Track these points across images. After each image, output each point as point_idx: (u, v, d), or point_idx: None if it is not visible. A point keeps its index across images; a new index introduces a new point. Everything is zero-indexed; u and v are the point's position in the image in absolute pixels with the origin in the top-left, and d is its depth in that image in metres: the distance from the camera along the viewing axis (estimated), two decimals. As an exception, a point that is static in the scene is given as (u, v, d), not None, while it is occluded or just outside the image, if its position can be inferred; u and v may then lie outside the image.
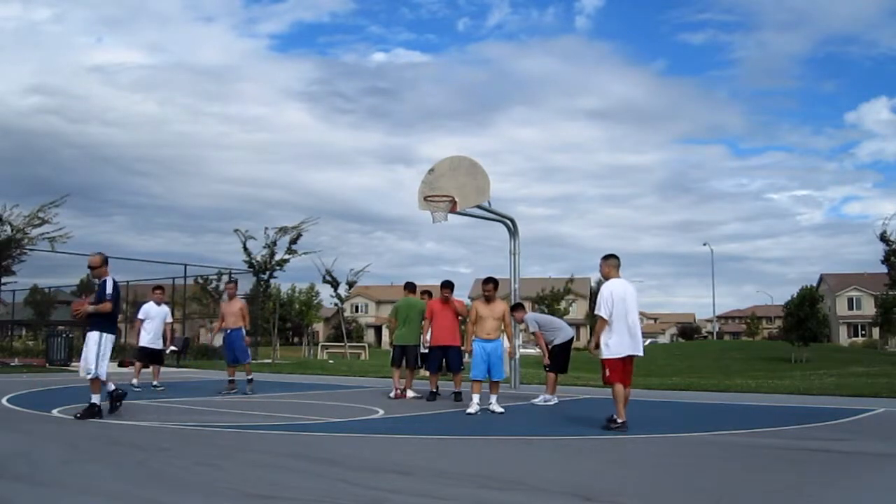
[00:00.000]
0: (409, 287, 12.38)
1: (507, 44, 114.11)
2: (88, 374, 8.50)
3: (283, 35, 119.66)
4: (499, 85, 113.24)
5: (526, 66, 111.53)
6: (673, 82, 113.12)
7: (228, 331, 12.35)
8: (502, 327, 10.11)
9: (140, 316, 13.28)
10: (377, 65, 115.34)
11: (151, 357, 13.29)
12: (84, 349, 8.66)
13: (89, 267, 8.91)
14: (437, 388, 11.63)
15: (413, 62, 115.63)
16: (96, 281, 8.91)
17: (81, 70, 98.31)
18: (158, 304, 13.47)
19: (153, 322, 13.16)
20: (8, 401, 10.56)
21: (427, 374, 12.14)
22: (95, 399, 8.55)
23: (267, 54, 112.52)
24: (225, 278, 31.82)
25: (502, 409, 9.59)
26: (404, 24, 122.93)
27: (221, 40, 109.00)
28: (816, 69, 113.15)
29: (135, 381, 12.54)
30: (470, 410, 9.44)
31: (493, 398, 9.77)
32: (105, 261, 8.91)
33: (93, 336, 8.58)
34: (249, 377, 12.52)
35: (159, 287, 14.43)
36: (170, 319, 13.66)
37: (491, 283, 10.10)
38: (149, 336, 13.09)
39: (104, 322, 8.66)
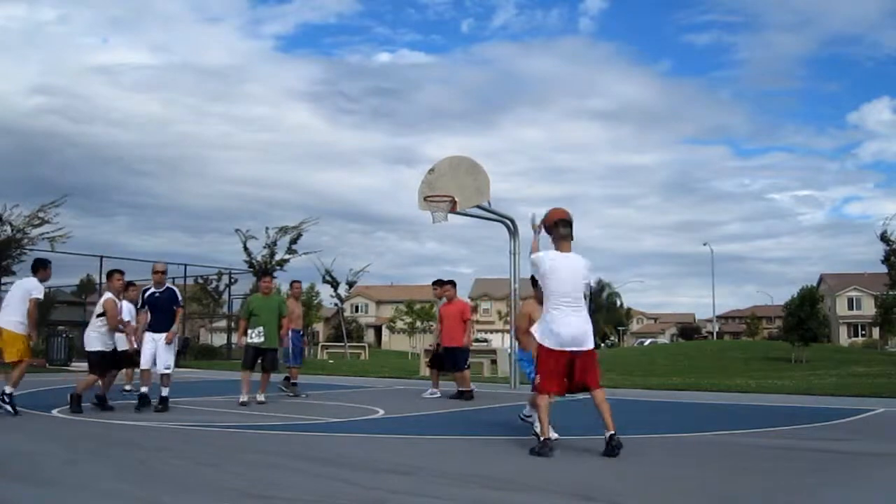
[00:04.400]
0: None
1: (512, 44, 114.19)
2: (168, 369, 9.53)
3: (289, 36, 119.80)
4: (503, 85, 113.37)
5: (530, 66, 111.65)
6: (677, 83, 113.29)
7: (299, 331, 12.42)
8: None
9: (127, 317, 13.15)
10: (381, 65, 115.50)
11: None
12: (156, 348, 9.52)
13: (159, 272, 10.00)
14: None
15: (417, 63, 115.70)
16: (157, 288, 9.83)
17: (86, 70, 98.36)
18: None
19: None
20: (8, 401, 10.54)
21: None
22: (166, 392, 9.55)
23: (272, 55, 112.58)
24: (225, 278, 31.83)
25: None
26: (410, 24, 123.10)
27: (226, 41, 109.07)
28: (819, 70, 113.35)
29: (128, 386, 12.42)
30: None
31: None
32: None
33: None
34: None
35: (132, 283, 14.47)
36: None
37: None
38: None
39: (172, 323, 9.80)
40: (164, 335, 9.56)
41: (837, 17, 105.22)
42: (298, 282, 13.41)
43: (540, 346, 6.34)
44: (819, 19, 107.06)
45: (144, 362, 9.61)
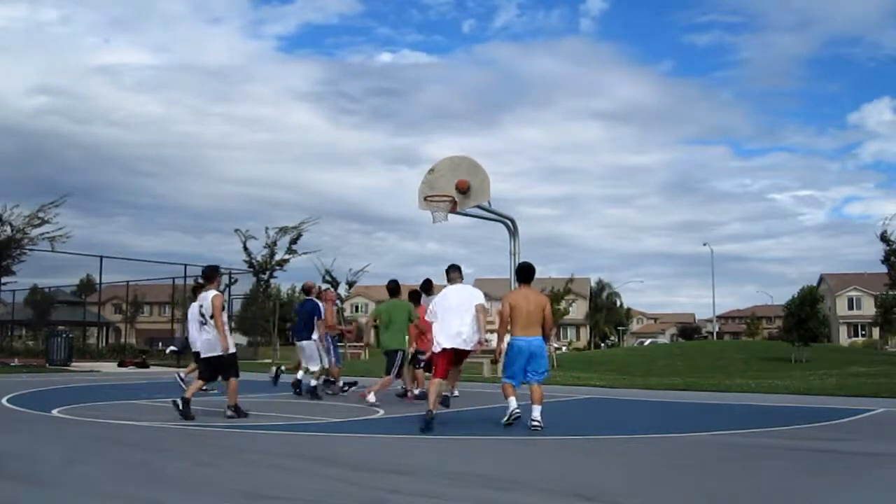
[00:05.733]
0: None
1: (513, 45, 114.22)
2: (316, 367, 11.65)
3: (290, 36, 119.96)
4: (504, 86, 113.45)
5: (531, 67, 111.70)
6: (678, 83, 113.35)
7: (328, 334, 12.59)
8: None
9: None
10: (383, 65, 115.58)
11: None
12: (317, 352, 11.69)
13: (307, 289, 12.45)
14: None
15: (419, 63, 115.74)
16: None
17: (87, 71, 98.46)
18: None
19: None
20: (8, 401, 10.56)
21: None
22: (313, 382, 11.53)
23: (273, 55, 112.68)
24: (225, 278, 31.85)
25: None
26: (413, 25, 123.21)
27: (228, 41, 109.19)
28: (820, 70, 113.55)
29: (205, 386, 12.32)
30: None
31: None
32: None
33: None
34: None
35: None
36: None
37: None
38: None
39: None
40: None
41: (838, 17, 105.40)
42: (329, 289, 14.21)
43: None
44: (820, 20, 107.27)
45: (326, 362, 11.81)
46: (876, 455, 6.68)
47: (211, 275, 9.10)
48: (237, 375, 8.84)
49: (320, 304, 11.88)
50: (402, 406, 10.64)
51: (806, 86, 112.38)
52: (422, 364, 11.85)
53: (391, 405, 10.61)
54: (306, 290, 12.77)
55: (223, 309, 8.86)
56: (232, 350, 8.77)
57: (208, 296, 8.83)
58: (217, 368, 8.85)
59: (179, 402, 8.49)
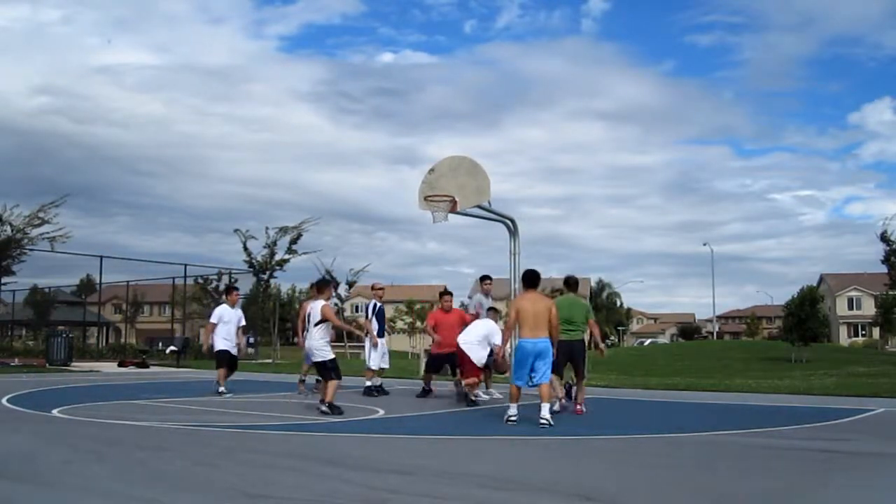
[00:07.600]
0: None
1: (515, 45, 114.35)
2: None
3: (292, 36, 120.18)
4: (506, 86, 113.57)
5: (533, 67, 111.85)
6: (679, 83, 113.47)
7: None
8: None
9: (213, 319, 12.46)
10: (384, 65, 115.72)
11: (229, 361, 12.47)
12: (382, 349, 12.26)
13: (383, 289, 12.97)
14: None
15: (420, 63, 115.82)
16: (380, 302, 12.53)
17: (88, 71, 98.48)
18: (233, 306, 12.78)
19: (228, 326, 12.41)
20: (8, 401, 10.56)
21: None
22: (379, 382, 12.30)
23: (274, 55, 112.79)
24: (225, 278, 31.86)
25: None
26: (414, 25, 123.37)
27: (229, 41, 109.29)
28: (821, 70, 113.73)
29: (221, 388, 12.03)
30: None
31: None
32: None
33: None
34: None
35: (235, 288, 14.72)
36: (243, 322, 12.88)
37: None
38: (226, 340, 12.36)
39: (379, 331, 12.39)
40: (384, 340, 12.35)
41: (839, 17, 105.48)
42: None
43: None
44: (821, 20, 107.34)
45: (374, 363, 12.13)
46: (876, 455, 6.68)
47: (322, 287, 10.34)
48: (339, 378, 9.43)
49: (369, 305, 12.52)
50: (402, 406, 10.64)
51: (806, 86, 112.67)
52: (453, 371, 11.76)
53: (391, 406, 10.61)
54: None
55: (336, 314, 9.99)
56: (331, 356, 9.46)
57: (318, 305, 9.62)
58: (321, 369, 9.61)
59: (324, 407, 9.14)
